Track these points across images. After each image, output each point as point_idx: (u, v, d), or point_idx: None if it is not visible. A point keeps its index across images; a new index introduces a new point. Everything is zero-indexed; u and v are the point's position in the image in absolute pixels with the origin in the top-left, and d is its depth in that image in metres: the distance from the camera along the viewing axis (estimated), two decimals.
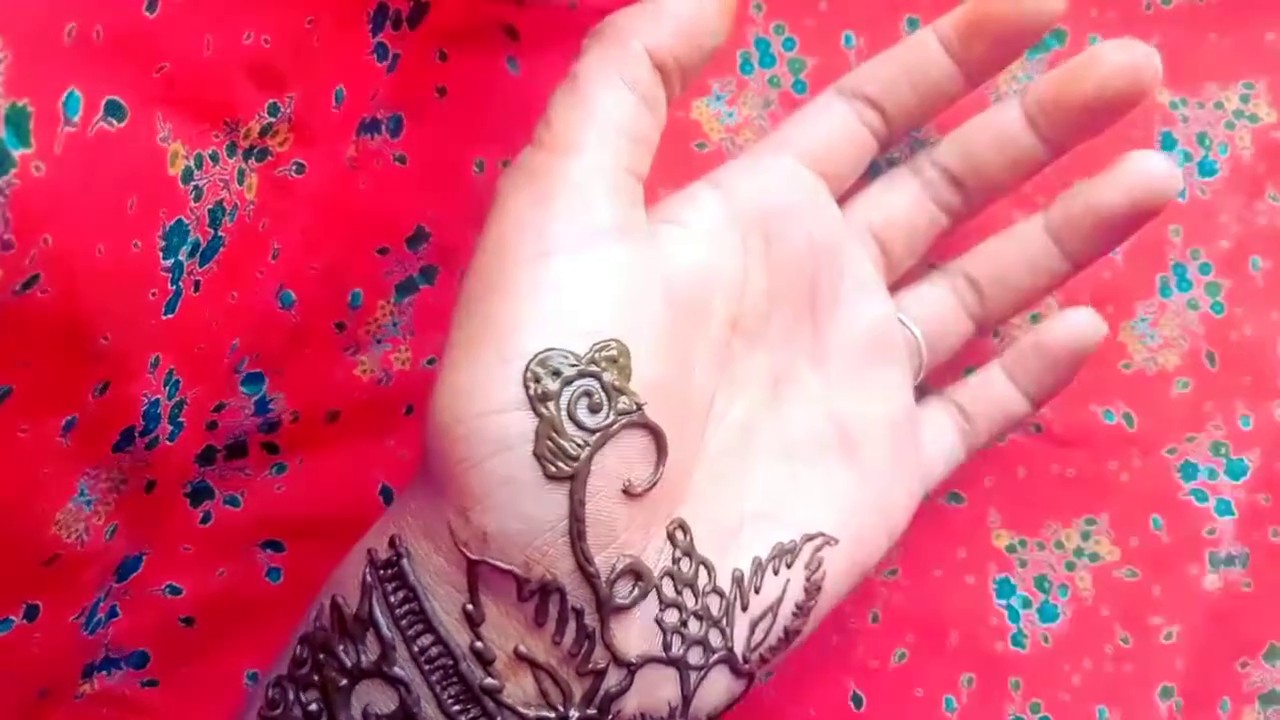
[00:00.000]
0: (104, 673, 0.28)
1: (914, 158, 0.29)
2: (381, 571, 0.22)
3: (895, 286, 0.29)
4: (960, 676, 0.31)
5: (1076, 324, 0.29)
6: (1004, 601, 0.32)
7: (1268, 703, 0.32)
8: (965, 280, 0.29)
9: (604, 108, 0.23)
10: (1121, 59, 0.26)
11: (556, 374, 0.21)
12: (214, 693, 0.29)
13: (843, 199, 0.28)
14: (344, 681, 0.22)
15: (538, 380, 0.21)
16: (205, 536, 0.29)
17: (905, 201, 0.28)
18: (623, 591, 0.22)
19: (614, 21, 0.24)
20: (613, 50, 0.23)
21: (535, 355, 0.21)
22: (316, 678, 0.22)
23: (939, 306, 0.29)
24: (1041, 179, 0.28)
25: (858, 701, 0.31)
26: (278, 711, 0.22)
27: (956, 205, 0.28)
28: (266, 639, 0.26)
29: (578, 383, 0.21)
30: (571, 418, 0.21)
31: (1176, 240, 0.32)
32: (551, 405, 0.21)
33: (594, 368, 0.21)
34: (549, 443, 0.21)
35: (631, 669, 0.22)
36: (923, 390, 0.29)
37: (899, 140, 0.28)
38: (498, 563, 0.21)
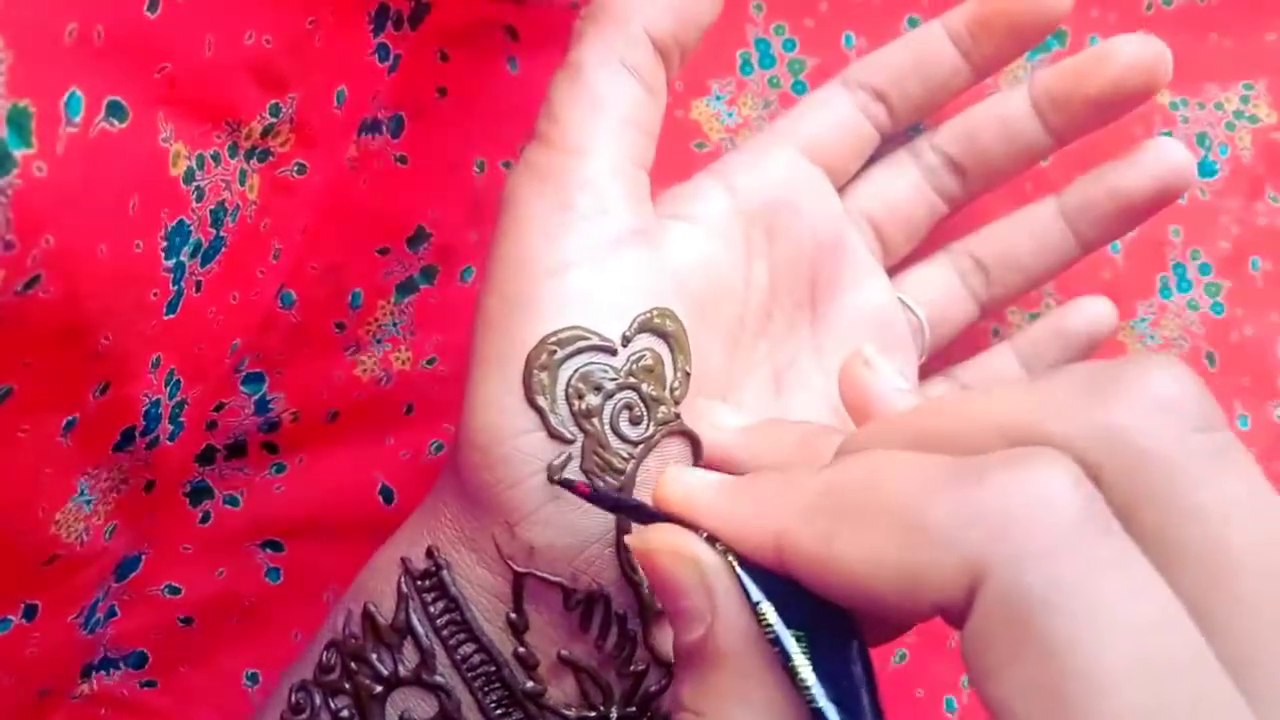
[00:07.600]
0: (103, 673, 0.28)
1: (913, 143, 0.29)
2: (420, 582, 0.22)
3: (900, 266, 0.29)
4: (961, 677, 0.31)
5: (1093, 311, 0.29)
6: None
7: None
8: (971, 261, 0.29)
9: (611, 99, 0.22)
10: (1135, 54, 0.26)
11: (598, 389, 0.21)
12: (213, 693, 0.29)
13: (843, 187, 0.28)
14: (378, 689, 0.22)
15: (580, 396, 0.21)
16: (205, 536, 0.29)
17: (905, 188, 0.28)
18: None
19: (608, 1, 0.23)
20: (612, 33, 0.22)
21: (576, 371, 0.21)
22: (348, 685, 0.22)
23: (943, 287, 0.29)
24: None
25: None
26: (304, 716, 0.22)
27: (955, 192, 0.28)
28: (266, 639, 0.26)
29: (619, 396, 0.21)
30: (615, 431, 0.21)
31: (1177, 241, 0.32)
32: (596, 421, 0.21)
33: (632, 379, 0.21)
34: (596, 458, 0.21)
35: (671, 668, 0.22)
36: (925, 371, 0.29)
37: (900, 132, 0.28)
38: (545, 575, 0.21)
